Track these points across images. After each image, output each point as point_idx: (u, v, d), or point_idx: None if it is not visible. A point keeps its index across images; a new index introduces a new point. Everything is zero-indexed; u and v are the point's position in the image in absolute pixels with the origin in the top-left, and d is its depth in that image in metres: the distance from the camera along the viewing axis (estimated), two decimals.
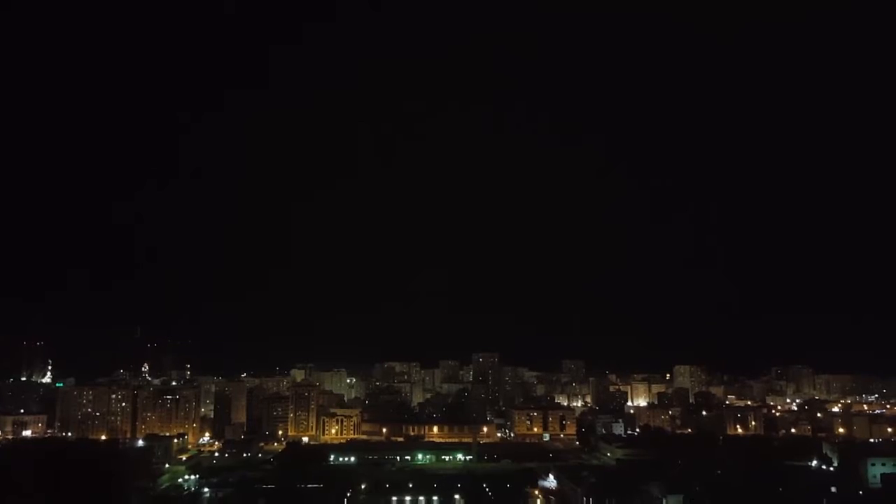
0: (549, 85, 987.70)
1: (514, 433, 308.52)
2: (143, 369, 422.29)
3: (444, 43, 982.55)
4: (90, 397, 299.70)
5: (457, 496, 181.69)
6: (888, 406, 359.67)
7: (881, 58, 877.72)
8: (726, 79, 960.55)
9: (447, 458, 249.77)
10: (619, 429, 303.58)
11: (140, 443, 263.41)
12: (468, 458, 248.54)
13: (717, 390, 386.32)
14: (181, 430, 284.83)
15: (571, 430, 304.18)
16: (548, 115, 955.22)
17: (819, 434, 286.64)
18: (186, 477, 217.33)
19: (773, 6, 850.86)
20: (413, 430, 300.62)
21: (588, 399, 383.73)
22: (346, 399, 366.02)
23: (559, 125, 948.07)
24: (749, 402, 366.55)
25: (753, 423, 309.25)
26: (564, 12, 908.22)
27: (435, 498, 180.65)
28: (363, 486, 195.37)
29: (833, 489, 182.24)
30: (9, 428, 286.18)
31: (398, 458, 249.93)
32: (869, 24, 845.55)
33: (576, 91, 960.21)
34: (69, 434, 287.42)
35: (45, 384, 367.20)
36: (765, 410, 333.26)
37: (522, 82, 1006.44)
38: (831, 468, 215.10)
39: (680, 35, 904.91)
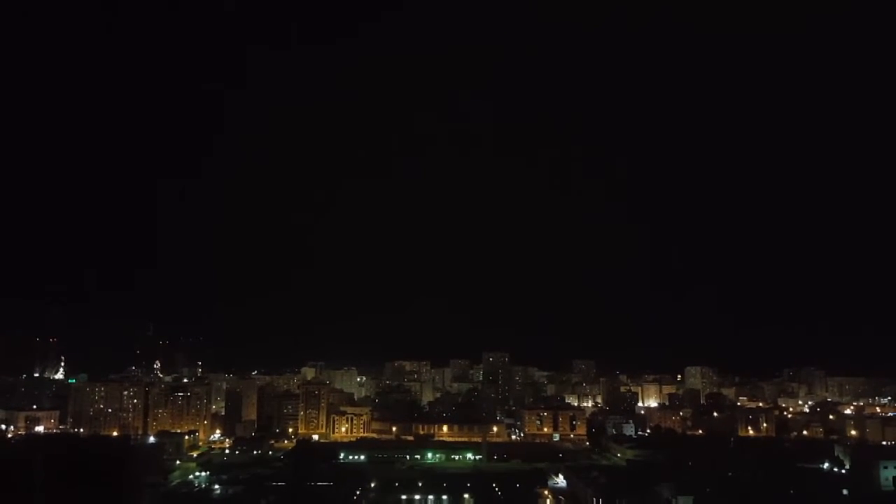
0: (547, 92, 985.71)
1: (524, 433, 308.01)
2: (154, 366, 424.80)
3: (448, 48, 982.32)
4: (102, 394, 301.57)
5: (466, 496, 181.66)
6: None
7: (880, 63, 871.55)
8: (723, 82, 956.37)
9: (457, 458, 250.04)
10: (629, 429, 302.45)
11: (151, 439, 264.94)
12: (478, 457, 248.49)
13: (728, 391, 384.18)
14: (192, 427, 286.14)
15: (582, 430, 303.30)
16: (544, 122, 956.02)
17: (831, 436, 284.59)
18: (197, 474, 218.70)
19: (772, 13, 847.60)
20: (423, 430, 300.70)
21: (598, 399, 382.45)
22: (356, 397, 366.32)
23: (555, 132, 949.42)
24: (761, 404, 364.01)
25: (765, 424, 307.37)
26: (560, 24, 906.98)
27: (444, 497, 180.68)
28: (373, 485, 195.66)
29: (845, 492, 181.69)
30: (21, 423, 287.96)
31: (408, 456, 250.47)
32: (867, 27, 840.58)
33: (573, 98, 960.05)
34: (81, 430, 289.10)
35: (58, 380, 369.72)
36: (776, 412, 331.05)
37: (522, 91, 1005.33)
38: (843, 471, 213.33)
39: (673, 42, 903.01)
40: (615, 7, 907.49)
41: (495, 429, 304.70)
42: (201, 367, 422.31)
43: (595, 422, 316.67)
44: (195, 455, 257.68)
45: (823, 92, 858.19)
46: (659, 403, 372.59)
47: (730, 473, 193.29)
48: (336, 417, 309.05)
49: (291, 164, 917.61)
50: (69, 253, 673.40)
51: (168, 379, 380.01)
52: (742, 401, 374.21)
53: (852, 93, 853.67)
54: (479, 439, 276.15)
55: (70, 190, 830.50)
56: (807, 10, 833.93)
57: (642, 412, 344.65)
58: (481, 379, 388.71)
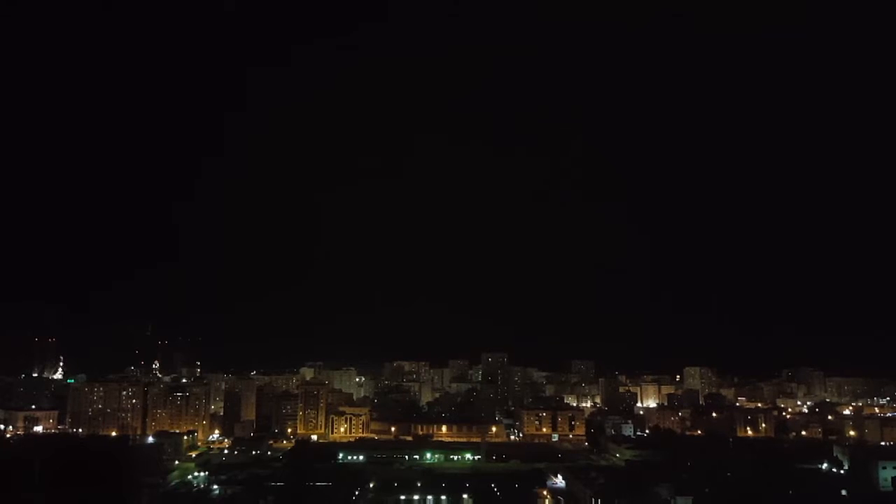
0: (545, 92, 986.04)
1: (522, 433, 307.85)
2: (153, 366, 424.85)
3: (446, 49, 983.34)
4: (101, 394, 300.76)
5: (465, 496, 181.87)
6: None
7: (881, 62, 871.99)
8: (722, 82, 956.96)
9: (456, 458, 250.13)
10: (628, 430, 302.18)
11: (150, 439, 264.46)
12: (477, 457, 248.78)
13: (727, 392, 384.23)
14: (191, 427, 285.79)
15: (580, 430, 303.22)
16: (544, 122, 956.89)
17: (830, 437, 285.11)
18: (196, 474, 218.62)
19: (772, 10, 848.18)
20: (422, 430, 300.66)
21: (597, 400, 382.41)
22: (354, 398, 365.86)
23: (555, 132, 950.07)
24: (759, 405, 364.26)
25: (764, 425, 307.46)
26: (560, 23, 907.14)
27: (443, 497, 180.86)
28: (372, 485, 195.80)
29: (844, 492, 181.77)
30: (20, 423, 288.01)
31: (407, 457, 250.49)
32: (867, 25, 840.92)
33: (574, 99, 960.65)
34: (80, 430, 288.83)
35: (57, 380, 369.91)
36: (775, 413, 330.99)
37: (521, 91, 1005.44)
38: (842, 471, 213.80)
39: (672, 41, 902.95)
40: (614, 6, 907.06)
41: (494, 429, 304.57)
42: (200, 367, 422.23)
43: (594, 422, 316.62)
44: (194, 455, 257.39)
45: (822, 92, 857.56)
46: (658, 404, 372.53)
47: (728, 474, 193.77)
48: (335, 418, 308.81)
49: (292, 165, 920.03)
50: (69, 253, 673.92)
51: (167, 379, 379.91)
52: (741, 401, 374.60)
53: (851, 93, 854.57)
54: (477, 440, 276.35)
55: (70, 190, 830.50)
56: (807, 8, 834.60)
57: (641, 412, 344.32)
58: (480, 379, 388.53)
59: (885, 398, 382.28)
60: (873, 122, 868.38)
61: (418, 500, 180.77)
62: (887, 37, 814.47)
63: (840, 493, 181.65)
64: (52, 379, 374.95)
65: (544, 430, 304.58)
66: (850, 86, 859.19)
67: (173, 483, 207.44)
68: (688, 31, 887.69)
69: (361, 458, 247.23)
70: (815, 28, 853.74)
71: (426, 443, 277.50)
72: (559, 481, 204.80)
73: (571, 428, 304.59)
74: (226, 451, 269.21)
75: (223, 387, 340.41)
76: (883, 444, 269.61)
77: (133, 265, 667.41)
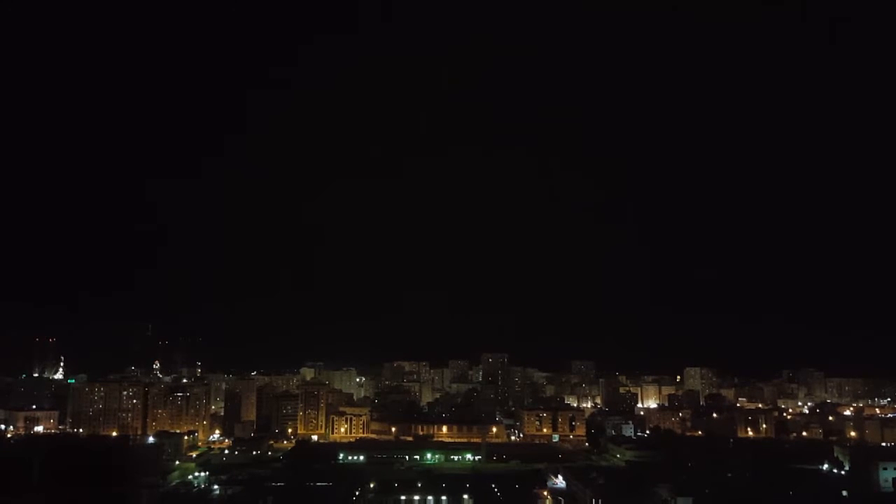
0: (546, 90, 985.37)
1: (523, 434, 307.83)
2: (154, 366, 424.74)
3: (447, 48, 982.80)
4: (101, 394, 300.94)
5: (465, 496, 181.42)
6: None
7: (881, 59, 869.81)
8: (724, 78, 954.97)
9: (456, 458, 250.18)
10: (628, 430, 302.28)
11: (150, 439, 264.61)
12: (477, 458, 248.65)
13: (727, 392, 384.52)
14: (191, 428, 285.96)
15: (581, 431, 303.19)
16: (544, 121, 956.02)
17: (830, 437, 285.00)
18: (196, 474, 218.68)
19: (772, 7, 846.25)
20: (422, 430, 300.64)
21: (598, 400, 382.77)
22: (355, 398, 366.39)
23: (555, 131, 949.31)
24: (760, 405, 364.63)
25: (764, 425, 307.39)
26: (559, 21, 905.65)
27: (443, 498, 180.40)
28: (372, 485, 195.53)
29: (844, 493, 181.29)
30: (21, 423, 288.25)
31: (407, 457, 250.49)
32: (868, 21, 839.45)
33: (574, 96, 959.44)
34: (80, 430, 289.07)
35: (57, 380, 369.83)
36: (776, 413, 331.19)
37: (521, 90, 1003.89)
38: (842, 472, 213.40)
39: (674, 34, 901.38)
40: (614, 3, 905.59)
41: (494, 429, 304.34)
42: (200, 367, 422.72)
43: (594, 422, 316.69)
44: (194, 455, 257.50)
45: (823, 86, 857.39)
46: (658, 404, 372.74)
47: (729, 475, 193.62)
48: (335, 418, 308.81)
49: (291, 164, 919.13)
50: (69, 253, 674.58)
51: (167, 379, 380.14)
52: (741, 402, 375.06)
53: (853, 86, 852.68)
54: (478, 440, 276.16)
55: (70, 190, 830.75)
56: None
57: (641, 413, 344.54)
58: (480, 379, 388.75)
59: (885, 399, 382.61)
60: (875, 118, 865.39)
61: (418, 500, 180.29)
62: (886, 26, 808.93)
63: (840, 493, 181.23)
64: (53, 379, 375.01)
65: (544, 430, 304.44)
66: (851, 79, 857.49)
67: (173, 483, 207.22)
68: (688, 23, 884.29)
69: (361, 458, 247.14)
70: (814, 19, 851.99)
71: (426, 443, 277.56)
72: (559, 482, 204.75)
73: (572, 428, 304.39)
74: (226, 452, 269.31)
75: (223, 387, 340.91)
76: (883, 444, 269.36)
77: (133, 265, 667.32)
